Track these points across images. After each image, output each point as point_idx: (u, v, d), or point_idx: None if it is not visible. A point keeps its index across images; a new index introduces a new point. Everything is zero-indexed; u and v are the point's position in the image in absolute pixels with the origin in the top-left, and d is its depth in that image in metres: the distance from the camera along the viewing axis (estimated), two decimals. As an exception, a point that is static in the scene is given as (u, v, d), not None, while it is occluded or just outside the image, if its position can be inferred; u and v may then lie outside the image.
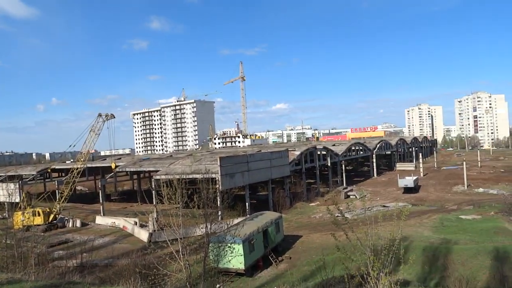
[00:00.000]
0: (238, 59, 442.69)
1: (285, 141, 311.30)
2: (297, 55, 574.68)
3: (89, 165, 66.92)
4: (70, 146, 58.48)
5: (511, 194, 47.32)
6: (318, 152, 73.30)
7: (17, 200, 48.39)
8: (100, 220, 54.63)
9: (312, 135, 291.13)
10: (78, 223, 53.98)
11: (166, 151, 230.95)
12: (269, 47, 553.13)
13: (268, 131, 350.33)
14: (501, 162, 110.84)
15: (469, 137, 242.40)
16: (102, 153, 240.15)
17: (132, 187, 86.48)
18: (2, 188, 54.45)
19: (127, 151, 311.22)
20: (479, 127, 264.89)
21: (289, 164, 60.06)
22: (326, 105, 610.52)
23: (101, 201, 59.04)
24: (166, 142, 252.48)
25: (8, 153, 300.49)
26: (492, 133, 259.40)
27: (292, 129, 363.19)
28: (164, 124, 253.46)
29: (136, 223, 47.34)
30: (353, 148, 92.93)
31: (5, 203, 37.28)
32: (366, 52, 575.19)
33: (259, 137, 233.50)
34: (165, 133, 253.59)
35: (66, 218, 55.34)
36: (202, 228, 16.80)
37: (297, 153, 65.78)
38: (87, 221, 56.22)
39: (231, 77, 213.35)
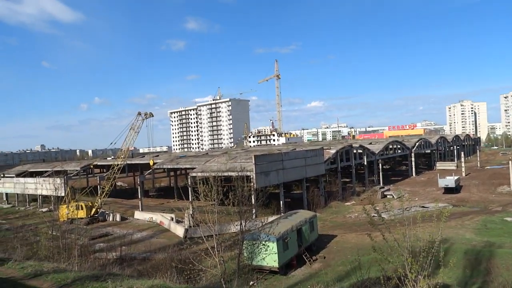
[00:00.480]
0: (273, 58, 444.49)
1: (320, 139, 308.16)
2: (332, 52, 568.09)
3: (128, 162, 69.28)
4: (111, 143, 60.94)
5: None
6: (354, 151, 71.98)
7: (62, 194, 50.95)
8: (139, 215, 56.41)
9: (348, 133, 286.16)
10: (118, 217, 56.07)
11: (202, 149, 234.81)
12: (303, 45, 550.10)
13: (303, 129, 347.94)
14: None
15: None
16: (141, 151, 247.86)
17: (169, 184, 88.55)
18: (49, 182, 57.42)
19: (165, 148, 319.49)
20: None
21: (324, 163, 59.38)
22: (362, 103, 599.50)
23: (139, 197, 60.95)
24: (202, 140, 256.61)
25: (54, 150, 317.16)
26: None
27: (327, 127, 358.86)
28: (200, 122, 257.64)
29: (172, 219, 48.49)
30: (390, 146, 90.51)
31: (52, 197, 39.26)
32: (404, 47, 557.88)
33: (294, 135, 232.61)
34: (201, 131, 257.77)
35: (107, 212, 57.63)
36: (236, 225, 16.97)
37: (333, 151, 64.91)
38: (126, 215, 58.23)
39: (266, 75, 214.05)
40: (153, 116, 57.48)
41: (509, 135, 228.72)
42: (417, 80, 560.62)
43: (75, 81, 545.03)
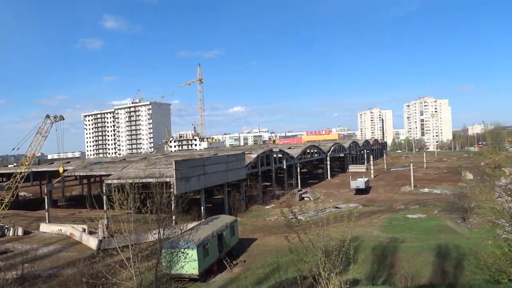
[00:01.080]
0: (196, 61, 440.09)
1: (242, 144, 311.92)
2: (254, 58, 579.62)
3: (34, 169, 63.36)
4: (13, 149, 55.12)
5: (453, 194, 50.34)
6: (274, 155, 74.11)
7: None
8: (45, 227, 51.68)
9: (269, 138, 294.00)
10: (20, 231, 50.60)
11: (120, 154, 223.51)
12: (227, 50, 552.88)
13: (225, 134, 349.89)
14: (444, 163, 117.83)
15: (416, 139, 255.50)
16: (50, 157, 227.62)
17: (82, 192, 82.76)
18: None
19: (77, 154, 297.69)
20: (425, 130, 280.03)
21: (246, 167, 60.19)
22: (283, 109, 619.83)
23: (46, 208, 55.91)
24: (119, 145, 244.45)
25: None
26: (437, 135, 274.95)
27: (249, 132, 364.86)
28: (118, 127, 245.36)
29: (84, 230, 45.31)
30: (308, 151, 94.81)
31: None
32: (322, 56, 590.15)
33: (216, 140, 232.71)
34: (118, 136, 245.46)
35: (6, 226, 51.69)
36: (155, 234, 16.37)
37: (254, 156, 66.09)
38: (30, 229, 52.91)
39: (188, 79, 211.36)
40: (63, 119, 53.25)
41: (411, 140, 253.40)
42: (333, 88, 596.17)
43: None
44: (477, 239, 25.13)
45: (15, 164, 78.06)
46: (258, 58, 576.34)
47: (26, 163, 52.16)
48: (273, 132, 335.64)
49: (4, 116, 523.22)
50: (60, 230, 48.84)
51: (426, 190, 69.41)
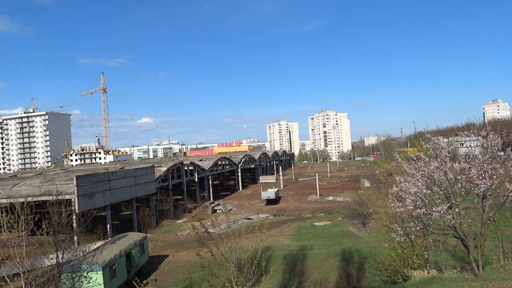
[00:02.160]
0: (99, 70, 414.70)
1: (151, 156, 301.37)
2: (162, 69, 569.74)
3: None
4: None
5: (354, 201, 54.48)
6: (186, 168, 72.84)
7: None
8: None
9: (180, 150, 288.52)
10: None
11: (9, 170, 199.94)
12: (133, 59, 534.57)
13: (133, 147, 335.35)
14: (345, 172, 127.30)
15: (320, 150, 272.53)
16: None
17: (-38, 215, 72.02)
18: None
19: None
20: (328, 141, 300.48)
21: (155, 181, 58.12)
22: (193, 120, 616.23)
23: None
24: (9, 160, 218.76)
25: None
26: (338, 146, 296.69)
27: (158, 144, 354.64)
28: (7, 139, 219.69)
29: (-34, 259, 39.36)
30: (219, 163, 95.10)
31: None
32: (230, 69, 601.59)
33: (122, 152, 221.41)
34: (7, 149, 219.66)
35: None
36: (52, 258, 14.84)
37: (164, 169, 64.18)
38: None
39: (90, 88, 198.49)
40: None
41: (316, 150, 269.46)
42: (242, 100, 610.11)
43: None
44: (375, 243, 27.32)
45: None
46: (165, 68, 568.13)
47: None
48: (183, 144, 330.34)
49: None
50: None
51: (330, 198, 74.03)
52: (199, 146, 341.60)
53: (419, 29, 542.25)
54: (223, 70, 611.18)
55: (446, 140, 14.75)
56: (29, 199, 15.63)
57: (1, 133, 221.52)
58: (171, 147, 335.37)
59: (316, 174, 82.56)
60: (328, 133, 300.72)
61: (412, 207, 13.82)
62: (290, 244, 35.19)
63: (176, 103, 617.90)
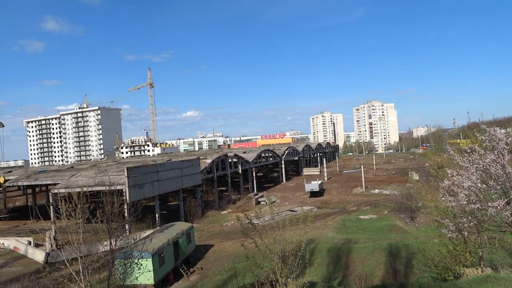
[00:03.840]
0: (145, 65, 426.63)
1: (196, 149, 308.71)
2: (205, 62, 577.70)
3: (-29, 180, 58.85)
4: None
5: (401, 194, 52.78)
6: (230, 160, 73.92)
7: None
8: (-15, 242, 48.04)
9: (224, 143, 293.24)
10: (-44, 248, 46.75)
11: (67, 162, 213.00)
12: (176, 54, 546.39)
13: (179, 139, 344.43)
14: (392, 165, 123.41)
15: (366, 142, 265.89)
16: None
17: (26, 203, 77.75)
18: None
19: (20, 163, 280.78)
20: (374, 133, 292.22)
21: (201, 173, 59.51)
22: (236, 113, 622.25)
23: (-14, 221, 52.08)
24: (66, 153, 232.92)
25: None
26: (384, 138, 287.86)
27: (203, 137, 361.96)
28: (65, 133, 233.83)
29: (30, 243, 42.54)
30: (263, 155, 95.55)
31: None
32: (272, 61, 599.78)
33: (169, 145, 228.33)
34: (65, 143, 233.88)
35: None
36: (106, 244, 15.68)
37: (209, 161, 65.52)
38: (-32, 244, 48.99)
39: (138, 83, 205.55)
40: (3, 126, 50.24)
41: (361, 142, 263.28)
42: (284, 91, 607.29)
43: None
44: (424, 238, 26.40)
45: None
46: (208, 62, 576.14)
47: (-38, 173, 48.29)
48: (227, 137, 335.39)
49: None
50: (3, 243, 45.52)
51: (376, 191, 72.19)
52: (242, 138, 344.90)
53: (471, 15, 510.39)
54: (265, 63, 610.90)
55: (504, 131, 13.83)
56: (85, 189, 16.50)
57: (60, 127, 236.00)
58: (216, 140, 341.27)
59: (362, 166, 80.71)
60: (374, 124, 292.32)
61: (465, 202, 13.14)
62: (334, 237, 34.81)
63: (220, 96, 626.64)
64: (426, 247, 19.45)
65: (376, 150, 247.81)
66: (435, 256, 17.20)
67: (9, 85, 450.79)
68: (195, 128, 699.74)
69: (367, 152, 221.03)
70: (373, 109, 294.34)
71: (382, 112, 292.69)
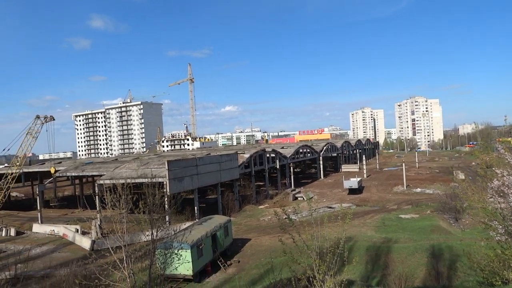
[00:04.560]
0: (185, 61, 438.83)
1: (234, 143, 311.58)
2: (244, 58, 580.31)
3: (25, 170, 62.81)
4: (4, 149, 54.54)
5: (445, 194, 50.74)
6: (267, 155, 74.10)
7: None
8: (38, 228, 51.21)
9: (262, 138, 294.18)
10: (12, 232, 50.12)
11: (111, 154, 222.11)
12: (215, 49, 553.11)
13: (218, 134, 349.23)
14: (436, 163, 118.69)
15: (408, 139, 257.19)
16: (41, 157, 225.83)
17: (74, 193, 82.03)
18: None
19: (69, 154, 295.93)
20: (417, 129, 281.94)
21: (239, 167, 60.11)
22: (274, 108, 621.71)
23: (38, 208, 55.36)
24: (111, 145, 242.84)
25: None
26: (428, 135, 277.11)
27: (241, 132, 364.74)
28: (109, 127, 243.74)
29: (77, 231, 44.94)
30: (301, 150, 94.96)
31: None
32: (311, 56, 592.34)
33: (208, 139, 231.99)
34: (110, 136, 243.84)
35: (-2, 227, 51.28)
36: (148, 234, 16.25)
37: (247, 156, 66.01)
38: (23, 229, 52.42)
39: (178, 78, 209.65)
40: (54, 119, 52.78)
41: (402, 139, 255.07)
42: (323, 87, 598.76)
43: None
44: (470, 240, 25.29)
45: (6, 164, 77.23)
46: (248, 57, 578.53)
47: (17, 164, 51.64)
48: (265, 132, 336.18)
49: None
50: (53, 230, 48.40)
51: (418, 190, 69.87)
52: (280, 133, 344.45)
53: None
54: (304, 57, 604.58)
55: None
56: (128, 180, 17.16)
57: (105, 121, 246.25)
58: (253, 135, 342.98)
59: (403, 164, 78.25)
60: (417, 120, 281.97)
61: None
62: (373, 236, 34.09)
63: (258, 91, 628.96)
64: (472, 250, 18.59)
65: (419, 148, 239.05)
66: (481, 259, 16.38)
67: (59, 81, 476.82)
68: (233, 123, 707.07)
69: (409, 150, 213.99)
70: (416, 105, 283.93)
71: (426, 108, 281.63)
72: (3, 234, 49.91)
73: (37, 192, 57.77)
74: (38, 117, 51.27)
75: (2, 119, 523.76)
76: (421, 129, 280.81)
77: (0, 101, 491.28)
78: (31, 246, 41.66)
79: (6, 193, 51.51)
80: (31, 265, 31.25)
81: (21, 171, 54.71)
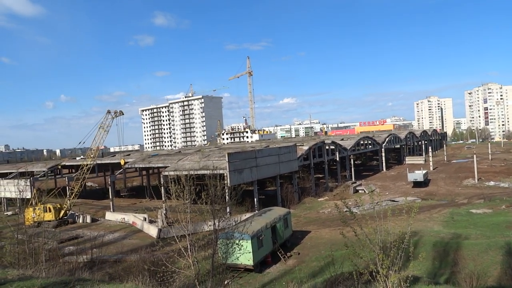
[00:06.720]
0: (244, 54, 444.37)
1: (293, 135, 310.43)
2: (303, 49, 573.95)
3: (98, 162, 67.58)
4: (80, 143, 59.19)
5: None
6: (327, 147, 72.94)
7: (28, 196, 48.92)
8: (110, 216, 55.13)
9: (321, 130, 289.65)
10: (88, 219, 54.58)
11: (175, 147, 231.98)
12: (274, 42, 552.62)
13: (276, 126, 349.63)
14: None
15: (480, 129, 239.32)
16: (112, 150, 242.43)
17: (141, 183, 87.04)
18: (13, 184, 55.07)
19: (136, 147, 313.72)
20: (490, 119, 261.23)
21: (298, 159, 59.85)
22: (334, 99, 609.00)
23: (110, 197, 59.54)
24: (174, 138, 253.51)
25: (19, 150, 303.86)
26: (503, 125, 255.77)
27: (300, 124, 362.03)
28: (173, 120, 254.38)
29: (145, 219, 47.66)
30: (361, 142, 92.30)
31: (17, 200, 37.59)
32: (372, 44, 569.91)
33: (267, 132, 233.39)
34: (173, 129, 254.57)
35: (76, 214, 56.00)
36: (210, 224, 16.78)
37: (306, 148, 65.50)
38: (97, 217, 56.78)
39: (237, 72, 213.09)
40: (123, 114, 56.13)
41: (473, 129, 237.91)
42: (386, 76, 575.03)
43: (38, 78, 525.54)
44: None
45: (81, 156, 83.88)
46: (306, 48, 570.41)
47: (92, 156, 55.73)
48: (324, 123, 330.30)
49: (68, 112, 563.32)
50: (123, 218, 51.82)
51: (491, 183, 64.93)
52: (340, 125, 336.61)
53: None
54: (363, 47, 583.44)
55: None
56: (191, 172, 17.81)
57: (168, 115, 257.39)
58: (312, 127, 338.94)
59: (474, 155, 73.01)
60: (490, 109, 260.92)
61: None
62: (440, 231, 32.31)
63: (317, 83, 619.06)
64: (555, 249, 16.96)
65: (492, 138, 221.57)
66: None
67: (126, 77, 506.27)
68: (291, 115, 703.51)
69: (480, 140, 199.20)
70: (489, 93, 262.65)
71: (501, 95, 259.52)
72: (80, 221, 54.47)
73: (109, 182, 62.11)
74: (109, 112, 54.84)
75: (79, 114, 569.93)
76: (494, 119, 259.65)
77: (77, 98, 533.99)
78: (104, 232, 45.01)
79: (82, 183, 55.92)
80: (105, 250, 33.87)
81: (95, 162, 58.94)
